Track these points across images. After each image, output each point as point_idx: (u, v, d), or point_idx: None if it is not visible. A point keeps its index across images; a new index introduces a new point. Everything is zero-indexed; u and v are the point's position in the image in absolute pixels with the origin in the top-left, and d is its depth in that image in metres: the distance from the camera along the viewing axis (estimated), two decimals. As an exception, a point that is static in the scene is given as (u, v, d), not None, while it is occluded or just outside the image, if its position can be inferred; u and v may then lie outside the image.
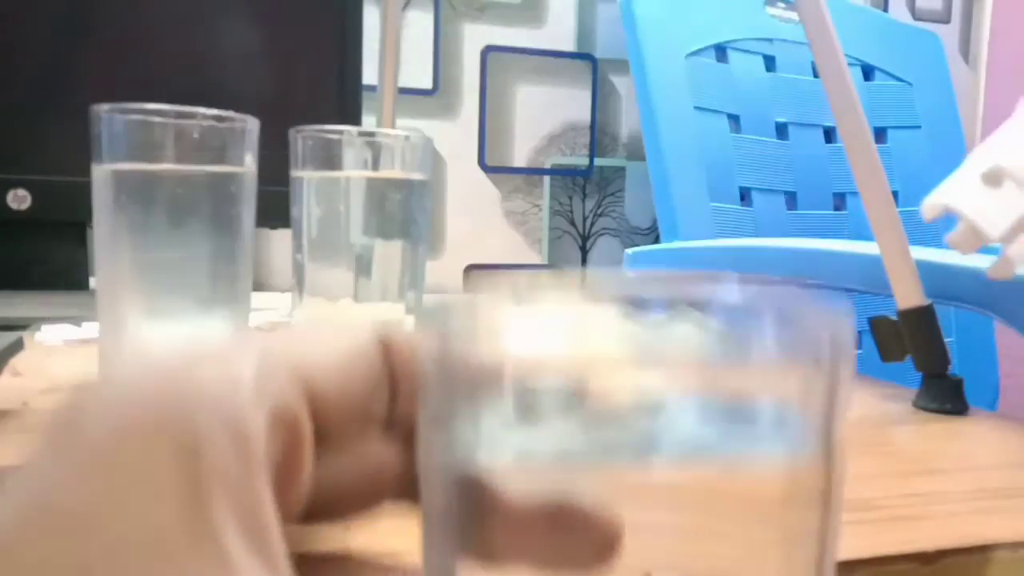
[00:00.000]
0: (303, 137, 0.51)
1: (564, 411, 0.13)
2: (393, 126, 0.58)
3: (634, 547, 0.13)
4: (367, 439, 0.17)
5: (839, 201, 1.16)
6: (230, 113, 0.45)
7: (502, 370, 0.13)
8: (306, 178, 0.51)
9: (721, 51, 1.10)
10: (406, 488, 0.17)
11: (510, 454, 0.14)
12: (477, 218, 1.18)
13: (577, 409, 0.13)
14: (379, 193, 0.51)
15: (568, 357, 0.13)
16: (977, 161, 0.18)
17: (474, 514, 0.14)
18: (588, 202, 1.23)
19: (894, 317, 0.53)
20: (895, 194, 1.20)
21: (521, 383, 0.13)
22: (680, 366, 0.13)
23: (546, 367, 0.13)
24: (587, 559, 0.13)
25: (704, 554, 0.13)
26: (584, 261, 1.24)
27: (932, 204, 0.18)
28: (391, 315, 0.52)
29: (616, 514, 0.13)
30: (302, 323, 0.18)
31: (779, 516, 0.14)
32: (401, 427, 0.18)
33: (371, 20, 0.77)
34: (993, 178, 0.18)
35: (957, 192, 0.18)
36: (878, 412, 0.52)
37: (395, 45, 0.58)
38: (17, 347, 0.43)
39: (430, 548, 0.15)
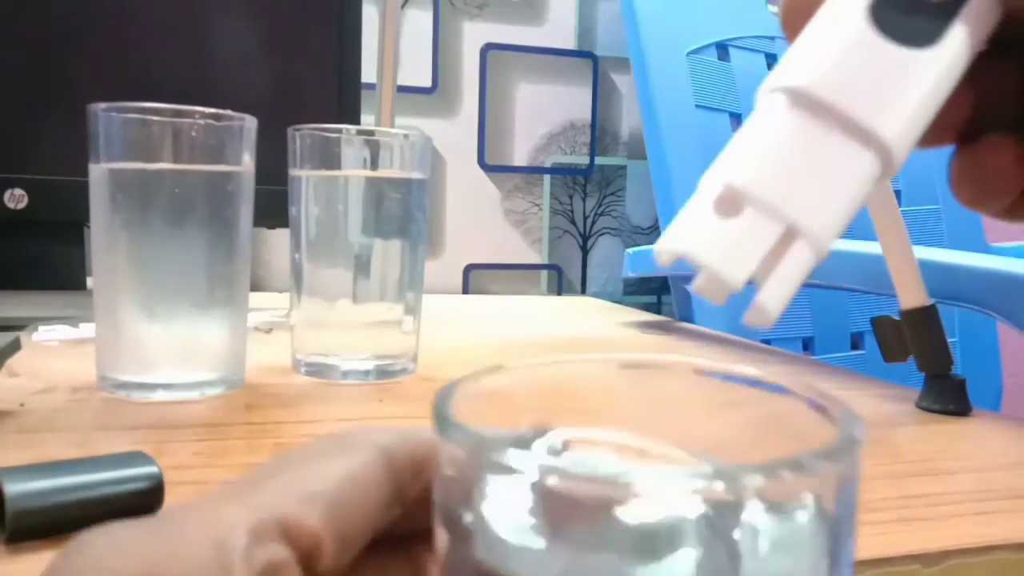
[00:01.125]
0: (301, 136, 0.51)
1: (582, 516, 0.13)
2: (392, 125, 0.58)
3: None
4: (379, 565, 0.18)
5: (840, 200, 1.16)
6: (228, 112, 0.45)
7: (521, 473, 0.13)
8: (304, 177, 0.51)
9: (723, 49, 1.09)
10: None
11: (529, 555, 0.14)
12: (477, 217, 1.18)
13: (596, 514, 0.13)
14: (378, 192, 0.51)
15: (585, 463, 0.13)
16: (711, 182, 0.15)
17: None
18: (589, 201, 1.23)
19: (897, 317, 0.53)
20: (897, 194, 1.19)
21: (540, 485, 0.13)
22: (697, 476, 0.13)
23: (564, 470, 0.13)
24: None
25: None
26: (585, 261, 1.23)
27: (663, 249, 0.14)
28: (390, 315, 0.52)
29: None
30: (306, 446, 0.18)
31: None
32: (412, 542, 0.18)
33: (370, 18, 0.77)
34: (729, 204, 0.14)
35: (690, 230, 0.14)
36: (881, 413, 0.51)
37: (394, 43, 0.58)
38: (14, 347, 0.42)
39: None
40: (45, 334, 0.58)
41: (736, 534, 0.13)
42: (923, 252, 0.54)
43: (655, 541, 0.13)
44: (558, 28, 1.20)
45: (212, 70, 0.75)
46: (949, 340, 0.52)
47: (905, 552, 0.30)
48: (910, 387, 0.56)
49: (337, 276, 0.51)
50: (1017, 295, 0.53)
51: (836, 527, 0.13)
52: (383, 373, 0.52)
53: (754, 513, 0.13)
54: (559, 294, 1.22)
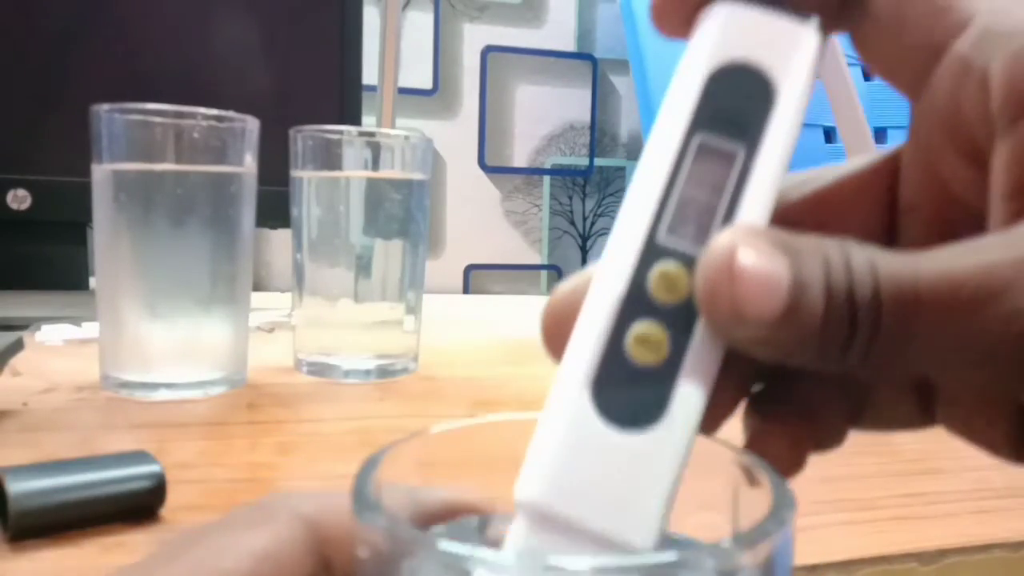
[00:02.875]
0: (303, 137, 0.51)
1: None
2: (393, 126, 0.58)
3: None
4: None
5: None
6: (230, 113, 0.46)
7: (442, 548, 0.12)
8: (306, 178, 0.51)
9: (721, 51, 1.10)
10: None
11: None
12: (477, 218, 1.18)
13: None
14: (379, 193, 0.51)
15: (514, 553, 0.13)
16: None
17: None
18: (588, 202, 1.23)
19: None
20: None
21: (460, 561, 0.13)
22: None
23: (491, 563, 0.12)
24: None
25: None
26: (584, 261, 1.24)
27: None
28: (391, 315, 0.52)
29: None
30: (224, 517, 0.17)
31: None
32: None
33: (371, 20, 0.77)
34: None
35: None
36: (878, 412, 0.52)
37: (395, 45, 0.58)
38: (17, 347, 0.43)
39: None
40: (48, 334, 0.58)
41: None
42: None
43: None
44: (558, 30, 1.20)
45: (214, 71, 0.76)
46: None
47: (903, 550, 0.30)
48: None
49: (338, 276, 0.51)
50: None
51: None
52: (384, 372, 0.52)
53: None
54: (559, 295, 1.22)
